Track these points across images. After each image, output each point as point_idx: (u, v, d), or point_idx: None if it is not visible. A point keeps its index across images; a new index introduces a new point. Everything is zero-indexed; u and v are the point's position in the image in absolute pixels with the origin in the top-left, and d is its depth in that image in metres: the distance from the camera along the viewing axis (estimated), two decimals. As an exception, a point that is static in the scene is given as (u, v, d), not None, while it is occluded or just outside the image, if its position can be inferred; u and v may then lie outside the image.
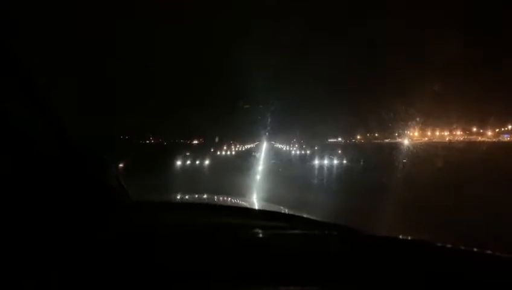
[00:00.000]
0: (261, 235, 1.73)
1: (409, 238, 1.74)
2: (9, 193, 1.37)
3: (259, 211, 2.60)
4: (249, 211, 2.45)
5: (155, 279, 1.37)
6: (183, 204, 2.59)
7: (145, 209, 1.94)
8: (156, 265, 1.42)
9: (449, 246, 1.63)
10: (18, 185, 1.41)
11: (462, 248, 1.62)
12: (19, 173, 1.42)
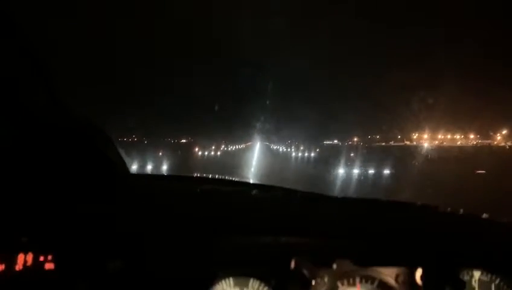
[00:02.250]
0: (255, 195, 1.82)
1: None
2: (11, 163, 1.41)
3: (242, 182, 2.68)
4: (232, 182, 2.53)
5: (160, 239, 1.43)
6: (178, 176, 2.67)
7: (145, 179, 1.99)
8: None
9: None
10: (20, 155, 1.45)
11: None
12: (21, 143, 1.45)
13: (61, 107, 1.51)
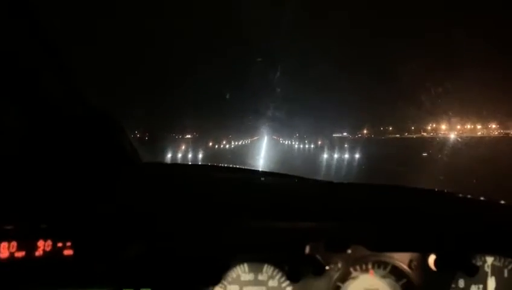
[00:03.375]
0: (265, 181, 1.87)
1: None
2: (29, 152, 1.47)
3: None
4: (246, 170, 2.56)
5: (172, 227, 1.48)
6: (192, 165, 2.72)
7: (159, 167, 2.03)
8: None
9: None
10: (35, 143, 1.50)
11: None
12: (37, 132, 1.51)
13: (77, 97, 1.56)
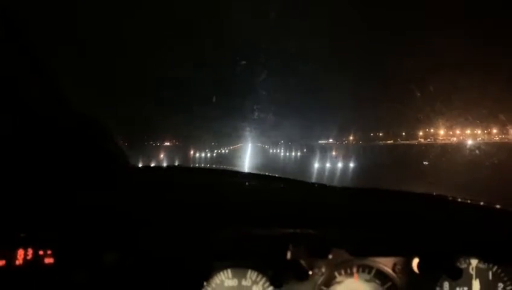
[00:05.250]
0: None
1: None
2: (10, 155, 1.48)
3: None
4: (229, 172, 2.59)
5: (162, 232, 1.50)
6: (178, 167, 2.73)
7: (145, 171, 2.05)
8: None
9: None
10: (19, 148, 1.51)
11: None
12: (20, 135, 1.52)
13: (61, 102, 1.57)
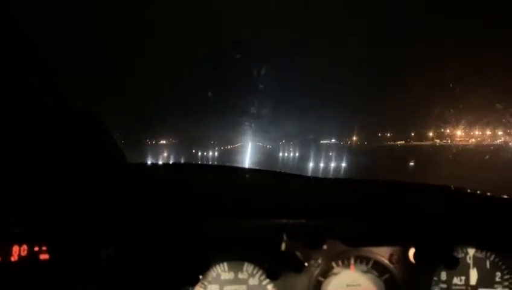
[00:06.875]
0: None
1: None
2: (6, 151, 1.49)
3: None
4: (224, 167, 2.61)
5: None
6: (175, 164, 2.75)
7: (141, 168, 2.07)
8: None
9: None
10: (15, 144, 1.53)
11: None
12: (18, 132, 1.53)
13: (57, 98, 1.59)
